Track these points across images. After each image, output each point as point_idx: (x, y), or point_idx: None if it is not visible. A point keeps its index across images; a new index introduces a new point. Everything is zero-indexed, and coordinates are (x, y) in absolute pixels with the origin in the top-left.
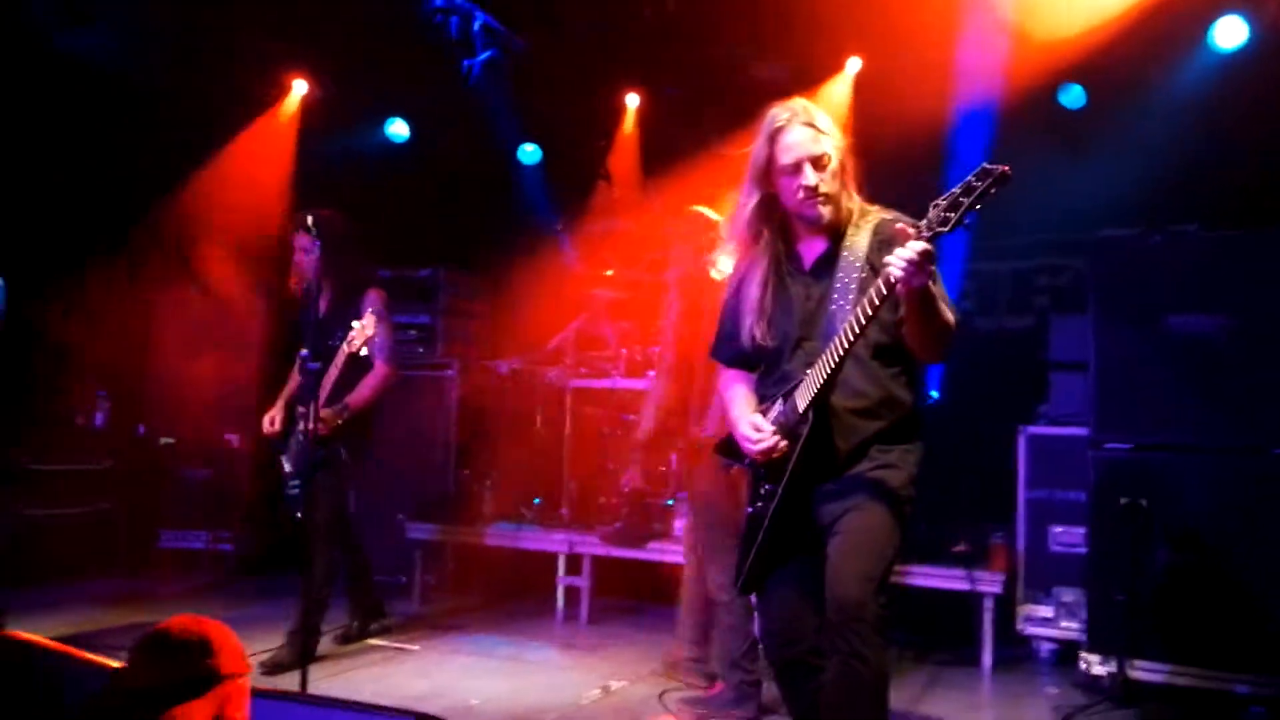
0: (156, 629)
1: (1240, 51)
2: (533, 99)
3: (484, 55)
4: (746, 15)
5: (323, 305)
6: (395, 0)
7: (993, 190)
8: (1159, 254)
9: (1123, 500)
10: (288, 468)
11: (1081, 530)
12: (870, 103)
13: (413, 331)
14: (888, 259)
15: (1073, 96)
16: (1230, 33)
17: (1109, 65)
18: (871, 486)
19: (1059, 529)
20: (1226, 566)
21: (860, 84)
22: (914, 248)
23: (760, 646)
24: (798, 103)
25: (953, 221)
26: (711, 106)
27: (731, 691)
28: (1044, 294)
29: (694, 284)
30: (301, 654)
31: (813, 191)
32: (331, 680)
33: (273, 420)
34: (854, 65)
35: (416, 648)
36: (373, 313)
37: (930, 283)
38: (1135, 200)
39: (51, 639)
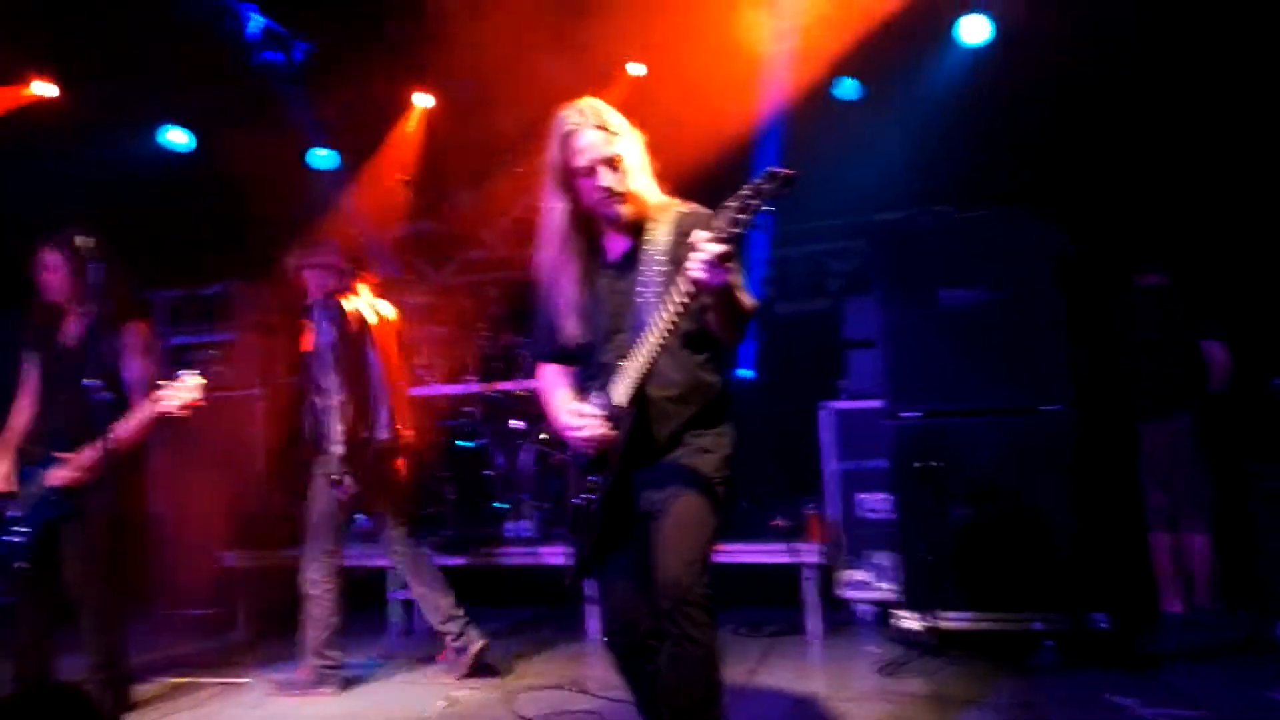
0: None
1: (986, 47)
2: (324, 103)
3: (268, 56)
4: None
5: (71, 330)
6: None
7: (780, 192)
8: (926, 234)
9: (917, 465)
10: (15, 513)
11: (886, 496)
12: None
13: (211, 351)
14: (687, 263)
15: (846, 89)
16: (975, 30)
17: (879, 59)
18: (688, 471)
19: (866, 496)
20: (1012, 517)
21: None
22: (710, 250)
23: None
24: (587, 104)
25: (743, 223)
26: (503, 106)
27: (313, 674)
28: (838, 277)
29: (343, 312)
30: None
31: (608, 191)
32: None
33: (6, 477)
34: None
35: (247, 680)
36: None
37: (729, 276)
38: (909, 185)
39: None
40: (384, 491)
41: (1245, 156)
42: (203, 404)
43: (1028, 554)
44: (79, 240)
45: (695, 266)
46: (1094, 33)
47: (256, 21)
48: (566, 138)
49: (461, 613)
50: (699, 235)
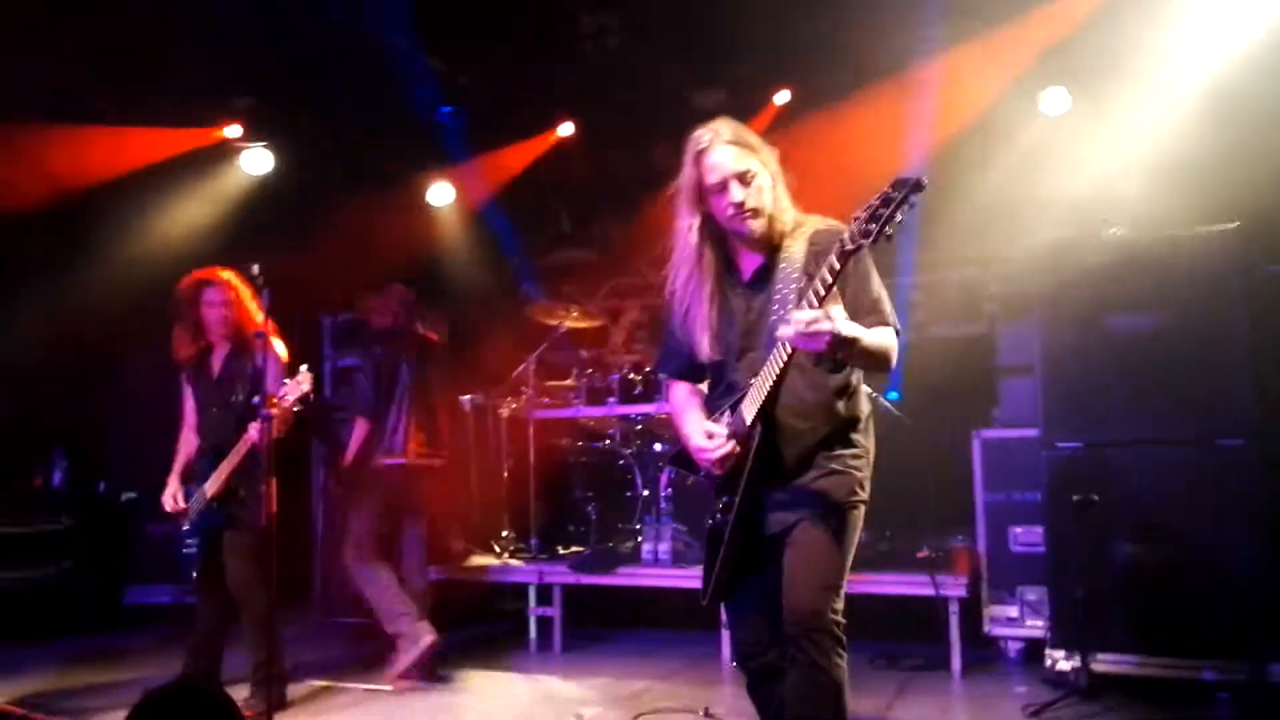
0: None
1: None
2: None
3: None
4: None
5: (218, 356)
6: None
7: (910, 199)
8: (1094, 256)
9: (1076, 497)
10: (185, 526)
11: (1039, 529)
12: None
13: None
14: (781, 328)
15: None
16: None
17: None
18: (819, 494)
19: (1018, 529)
20: (1180, 555)
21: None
22: (800, 319)
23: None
24: (719, 122)
25: (874, 233)
26: (653, 136)
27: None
28: (994, 301)
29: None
30: (269, 701)
31: (740, 207)
32: None
33: (174, 497)
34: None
35: (388, 688)
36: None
37: (841, 334)
38: (1066, 206)
39: (11, 703)
40: (402, 511)
41: None
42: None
43: (1200, 596)
44: (253, 270)
45: (786, 334)
46: None
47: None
48: (699, 155)
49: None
50: (795, 313)
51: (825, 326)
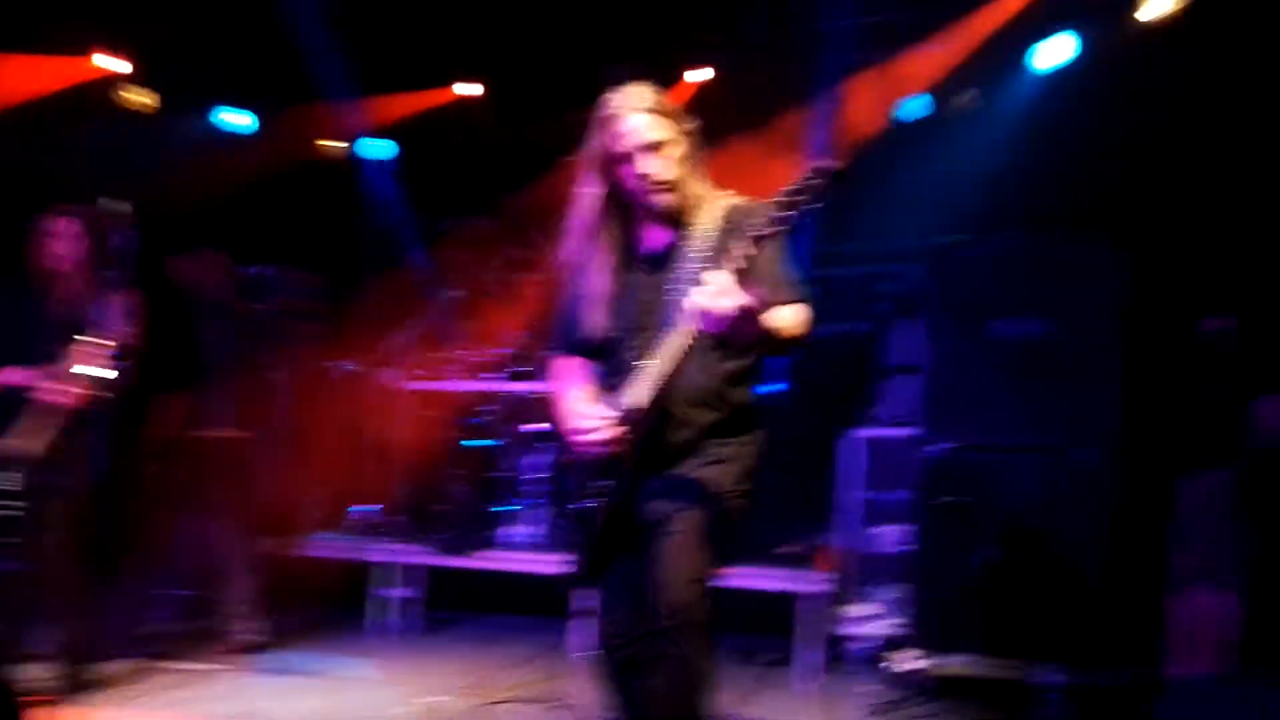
0: None
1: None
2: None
3: None
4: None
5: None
6: None
7: (826, 188)
8: (983, 259)
9: (944, 499)
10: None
11: (904, 529)
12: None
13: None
14: (687, 297)
15: (911, 108)
16: (1049, 53)
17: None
18: (702, 483)
19: (885, 529)
20: (1037, 561)
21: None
22: (713, 284)
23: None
24: (635, 86)
25: (789, 219)
26: (565, 105)
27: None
28: (883, 300)
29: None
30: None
31: (650, 179)
32: (121, 709)
33: None
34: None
35: (222, 667)
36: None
37: (752, 305)
38: (967, 209)
39: None
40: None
41: None
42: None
43: (1045, 602)
44: (103, 205)
45: (695, 304)
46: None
47: None
48: (610, 120)
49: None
50: (706, 276)
51: (736, 299)
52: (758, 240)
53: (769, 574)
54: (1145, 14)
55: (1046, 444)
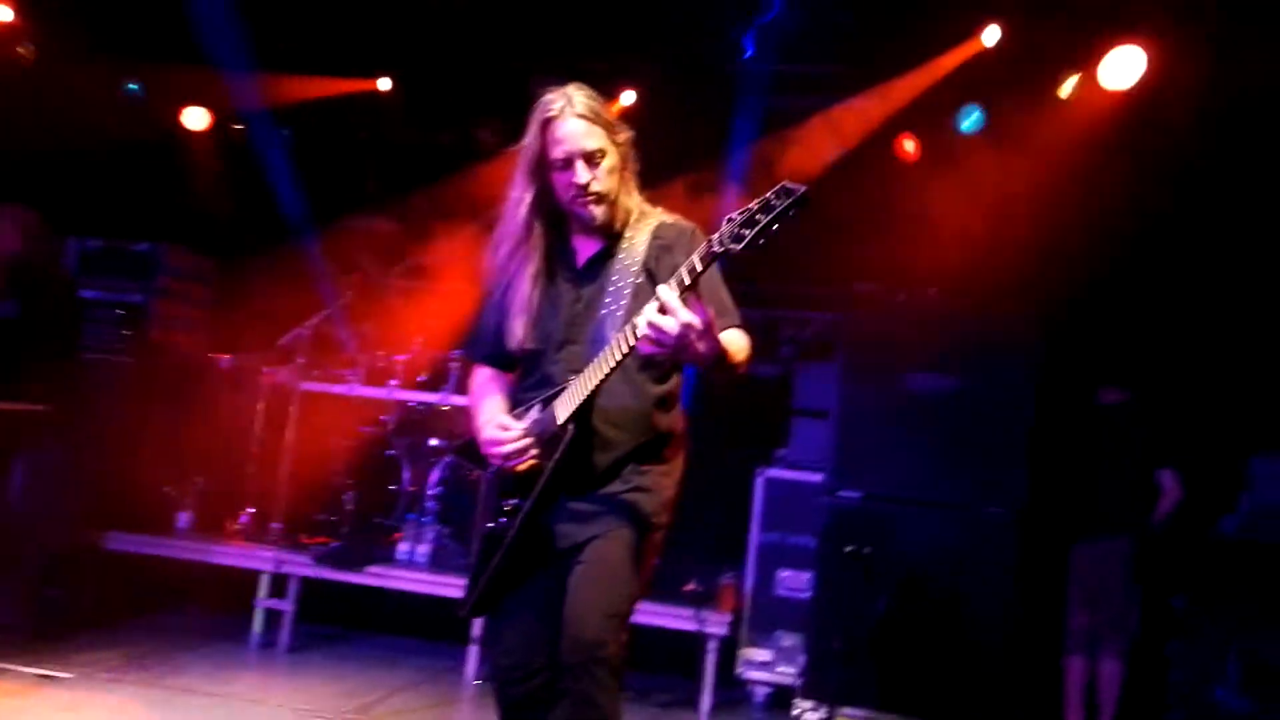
0: None
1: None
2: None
3: None
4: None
5: None
6: None
7: (791, 211)
8: (901, 312)
9: (848, 548)
10: None
11: (806, 575)
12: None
13: (118, 311)
14: (636, 319)
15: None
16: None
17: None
18: (622, 510)
19: (786, 573)
20: (935, 617)
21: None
22: (667, 297)
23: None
24: (574, 89)
25: (748, 239)
26: (481, 110)
27: None
28: (792, 344)
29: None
30: None
31: (584, 190)
32: None
33: None
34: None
35: (69, 675)
36: None
37: (701, 324)
38: (881, 261)
39: None
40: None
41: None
42: None
43: (940, 658)
44: None
45: (644, 326)
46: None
47: None
48: (547, 123)
49: None
50: (660, 290)
51: (685, 317)
52: (710, 258)
53: (670, 611)
54: (1064, 92)
55: (954, 500)
